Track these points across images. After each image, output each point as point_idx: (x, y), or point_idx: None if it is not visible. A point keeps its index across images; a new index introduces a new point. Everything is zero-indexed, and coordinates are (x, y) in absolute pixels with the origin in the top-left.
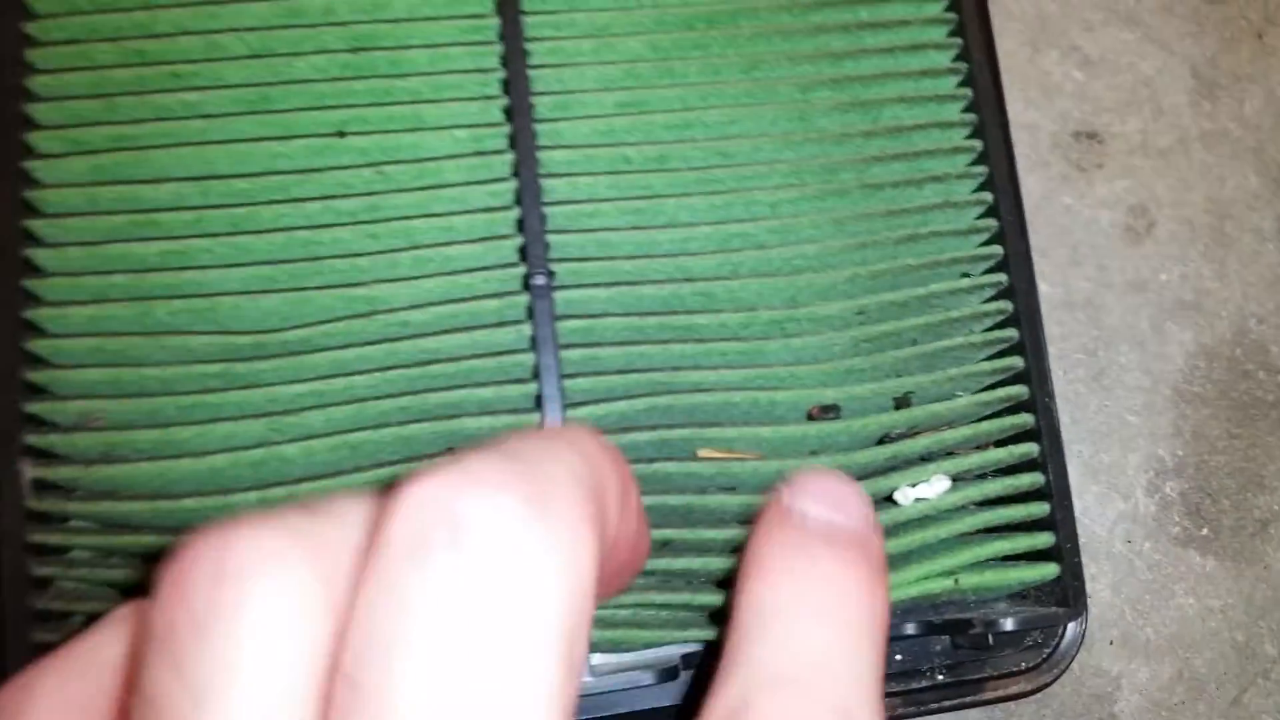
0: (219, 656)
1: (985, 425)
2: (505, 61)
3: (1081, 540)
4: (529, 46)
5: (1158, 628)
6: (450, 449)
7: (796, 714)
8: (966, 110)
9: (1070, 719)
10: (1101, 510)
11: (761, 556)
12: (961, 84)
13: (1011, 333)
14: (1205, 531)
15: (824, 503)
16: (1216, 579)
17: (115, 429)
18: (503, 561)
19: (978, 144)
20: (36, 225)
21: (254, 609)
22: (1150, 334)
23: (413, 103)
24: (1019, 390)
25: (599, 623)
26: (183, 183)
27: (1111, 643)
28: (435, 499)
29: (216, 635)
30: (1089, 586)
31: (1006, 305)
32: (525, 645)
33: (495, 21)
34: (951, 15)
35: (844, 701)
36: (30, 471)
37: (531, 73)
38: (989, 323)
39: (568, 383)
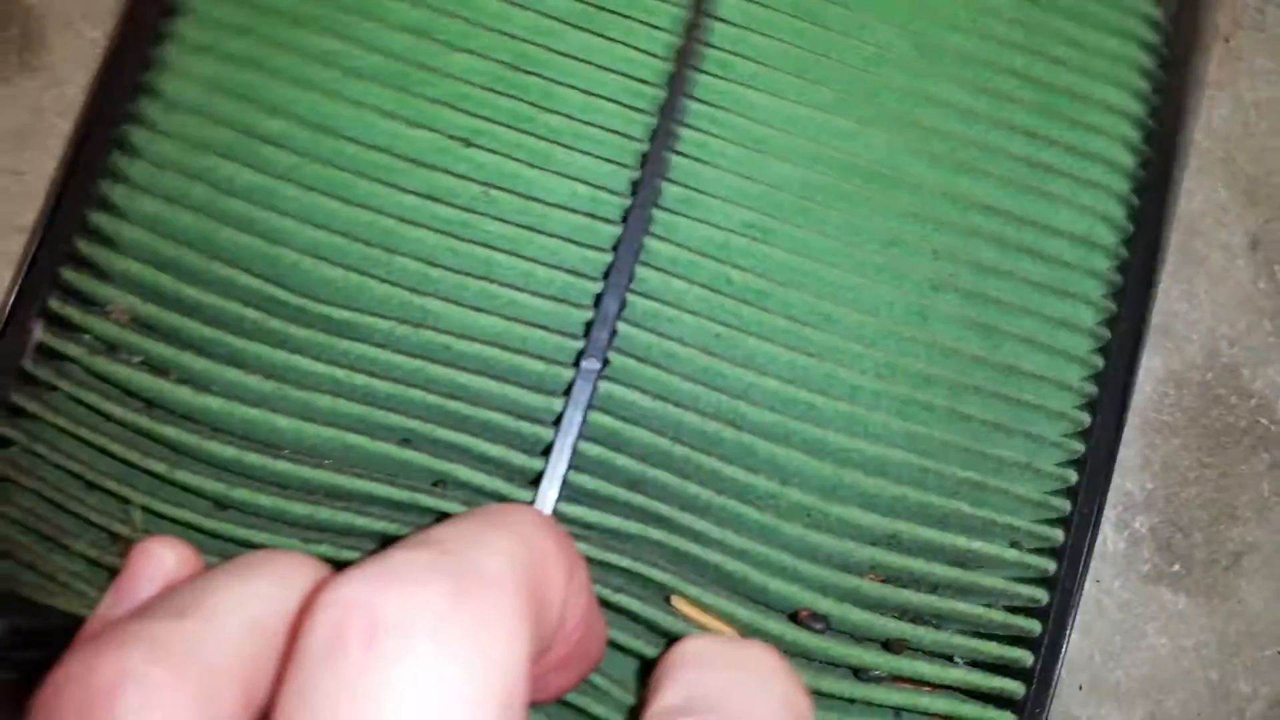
0: None
1: (967, 708)
2: (654, 136)
3: None
4: (681, 131)
5: (1129, 670)
6: (439, 482)
7: None
8: (1090, 379)
9: None
10: None
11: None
12: (1096, 350)
13: (1034, 625)
14: (1176, 567)
15: None
16: (1189, 616)
17: (133, 330)
18: (421, 661)
19: (1086, 418)
20: (145, 105)
21: None
22: None
23: (548, 140)
24: (1015, 687)
25: None
26: (298, 124)
27: (1080, 688)
28: (355, 598)
29: None
30: None
31: (1042, 595)
32: None
33: (660, 94)
34: (1116, 278)
35: None
36: (39, 334)
37: (673, 158)
38: (1014, 602)
39: (572, 474)
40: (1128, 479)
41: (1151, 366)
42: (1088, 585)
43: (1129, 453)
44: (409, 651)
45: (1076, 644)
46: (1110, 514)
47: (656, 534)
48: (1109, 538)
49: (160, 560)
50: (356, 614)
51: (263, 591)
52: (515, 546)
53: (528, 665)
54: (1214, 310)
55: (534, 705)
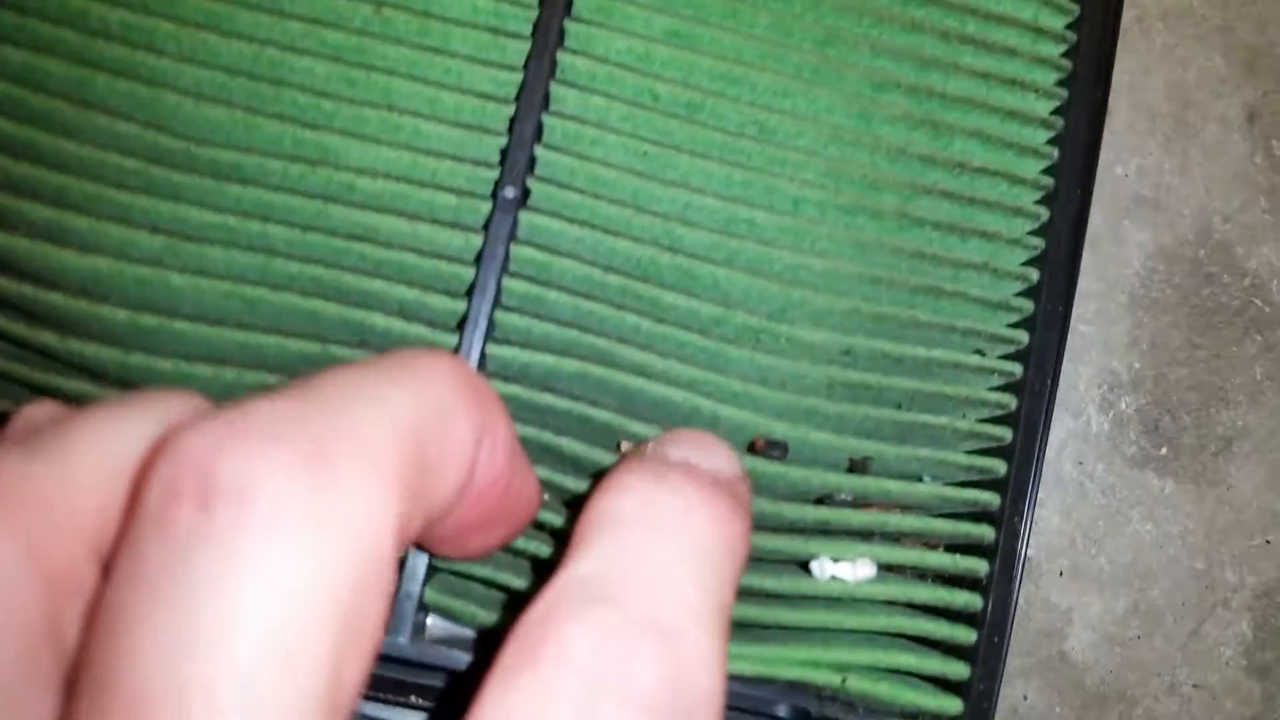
0: None
1: (939, 524)
2: None
3: None
4: None
5: (1111, 556)
6: (364, 342)
7: (599, 630)
8: (1046, 172)
9: (1015, 658)
10: (1050, 429)
11: (611, 478)
12: (1051, 141)
13: (1005, 433)
14: (1164, 451)
15: (688, 447)
16: (1175, 502)
17: (10, 191)
18: (258, 534)
19: (1044, 212)
20: None
21: None
22: (1105, 234)
23: None
24: (989, 498)
25: (443, 587)
26: None
27: (1061, 574)
28: (195, 452)
29: None
30: (1036, 512)
31: (1010, 401)
32: (283, 625)
33: None
34: (1066, 63)
35: (660, 617)
36: None
37: None
38: (985, 413)
39: (500, 314)
40: (1114, 357)
41: (1141, 241)
42: (1069, 468)
43: (1116, 330)
44: (246, 521)
45: (1057, 528)
46: (1094, 394)
47: (596, 371)
48: (1092, 419)
49: (29, 417)
50: (193, 471)
51: (133, 430)
52: (408, 403)
53: (391, 544)
54: (1207, 185)
55: (465, 560)
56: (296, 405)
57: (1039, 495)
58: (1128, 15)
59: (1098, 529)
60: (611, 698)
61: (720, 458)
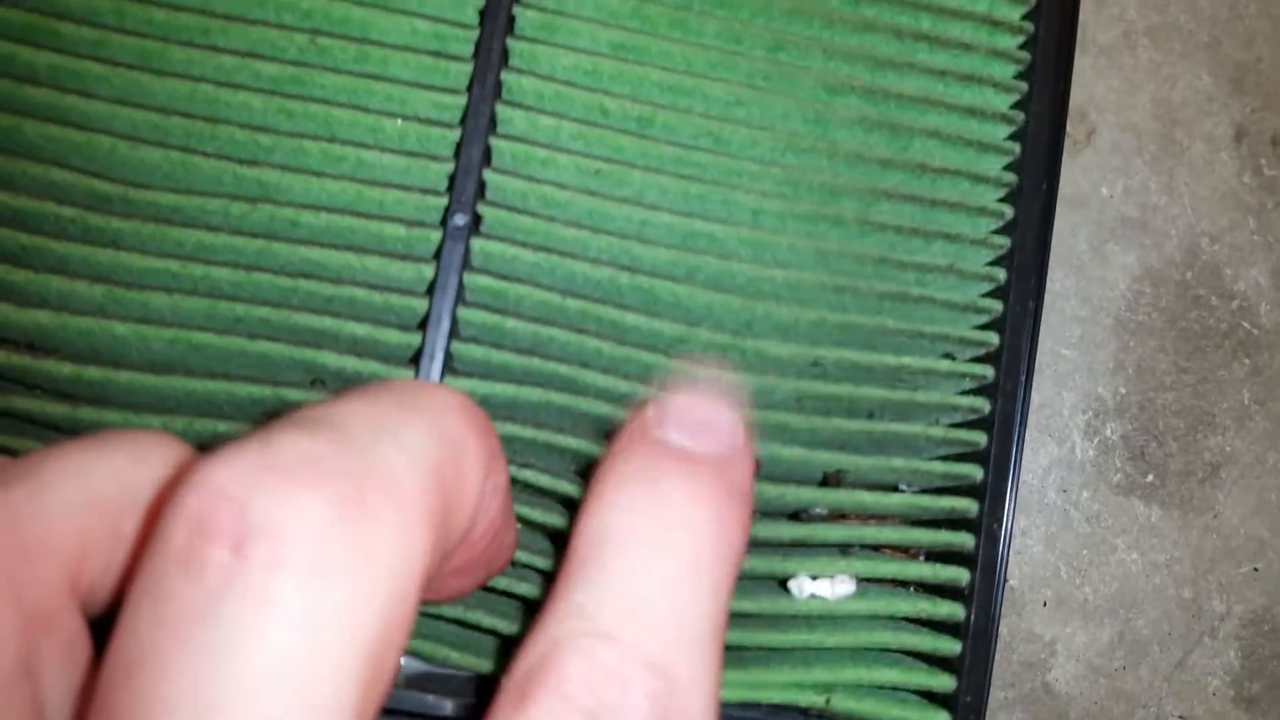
0: None
1: (918, 533)
2: None
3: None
4: None
5: (1096, 586)
6: (316, 381)
7: (603, 674)
8: (1009, 169)
9: (999, 690)
10: (1033, 456)
11: (606, 482)
12: (1013, 137)
13: (979, 437)
14: (1150, 478)
15: (687, 426)
16: (1162, 530)
17: None
18: (295, 580)
19: (1009, 210)
20: None
21: None
22: (1090, 256)
23: None
24: (967, 505)
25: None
26: None
27: (1045, 604)
28: (226, 488)
29: None
30: (1019, 541)
31: (984, 404)
32: (315, 675)
33: None
34: (1025, 54)
35: (663, 657)
36: None
37: None
38: (958, 418)
39: (457, 345)
40: (1100, 383)
41: (1127, 263)
42: (1053, 495)
43: (1101, 354)
44: (282, 567)
45: (1041, 558)
46: (1079, 419)
47: (559, 399)
48: (1077, 445)
49: None
50: (225, 509)
51: (109, 467)
52: (429, 440)
53: (420, 583)
54: (1195, 205)
55: (436, 603)
56: (323, 440)
57: (1021, 524)
58: (1113, 32)
59: (1082, 558)
60: None
61: (721, 430)
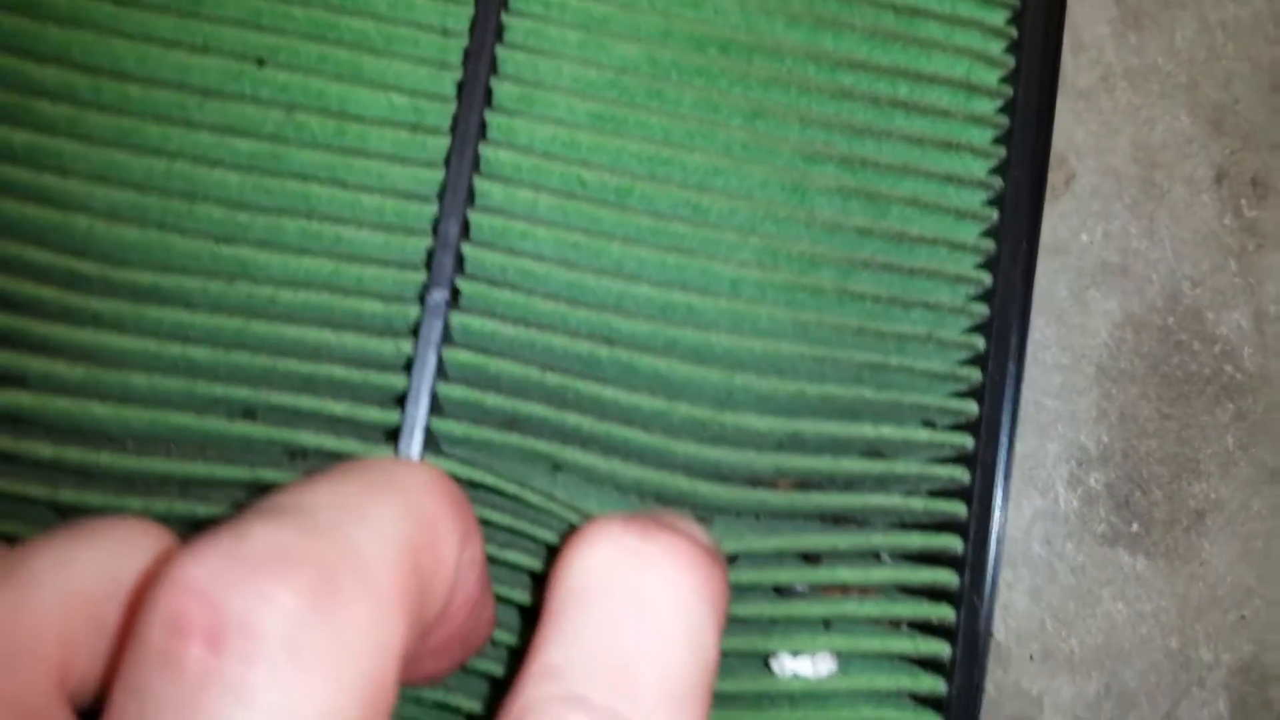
0: None
1: (899, 606)
2: (475, 27)
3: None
4: (506, 20)
5: (1083, 638)
6: (295, 454)
7: None
8: (987, 235)
9: None
10: (1017, 508)
11: (583, 537)
12: (990, 202)
13: (959, 508)
14: (1135, 527)
15: (659, 515)
16: (1147, 580)
17: None
18: (272, 673)
19: (986, 278)
20: None
21: None
22: (1070, 304)
23: (354, 46)
24: (948, 577)
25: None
26: (74, 71)
27: (1031, 658)
28: (199, 585)
29: None
30: (1004, 595)
31: (963, 475)
32: None
33: None
34: (1003, 119)
35: (632, 716)
36: None
37: (501, 51)
38: (939, 486)
39: (436, 422)
40: (1082, 432)
41: (1108, 310)
42: (1037, 547)
43: (1083, 403)
44: (258, 661)
45: (1026, 610)
46: (1062, 470)
47: (536, 478)
48: (1060, 496)
49: None
50: (200, 606)
51: (91, 558)
52: (400, 520)
53: (398, 670)
54: (1175, 249)
55: (411, 685)
56: (292, 529)
57: (1006, 577)
58: (1091, 75)
59: (1068, 610)
60: None
61: (690, 524)
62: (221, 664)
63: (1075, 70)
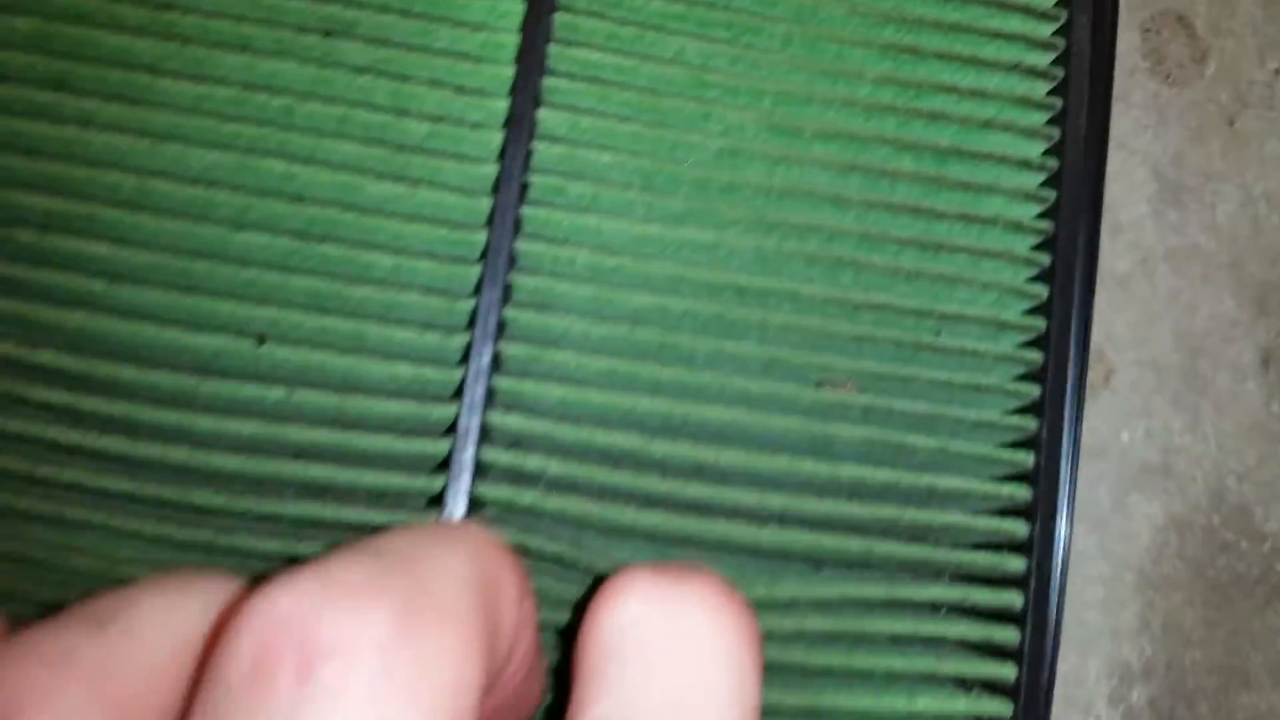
0: None
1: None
2: (480, 289)
3: None
4: (514, 278)
5: None
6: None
7: None
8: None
9: None
10: None
11: (614, 587)
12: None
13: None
14: None
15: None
16: None
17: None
18: (364, 696)
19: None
20: None
21: None
22: (1111, 510)
23: (358, 317)
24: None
25: None
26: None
27: None
28: (287, 614)
29: None
30: None
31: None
32: None
33: (484, 237)
34: (1035, 355)
35: None
36: None
37: (509, 311)
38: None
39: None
40: (1123, 645)
41: (1150, 513)
42: None
43: (1124, 614)
44: (350, 684)
45: None
46: (1104, 687)
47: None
48: (1103, 715)
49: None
50: (288, 634)
51: (190, 609)
52: (470, 566)
53: (477, 702)
54: (1220, 442)
55: None
56: (374, 565)
57: None
58: (1130, 260)
59: None
60: None
61: (708, 570)
62: (314, 689)
63: (1114, 255)
